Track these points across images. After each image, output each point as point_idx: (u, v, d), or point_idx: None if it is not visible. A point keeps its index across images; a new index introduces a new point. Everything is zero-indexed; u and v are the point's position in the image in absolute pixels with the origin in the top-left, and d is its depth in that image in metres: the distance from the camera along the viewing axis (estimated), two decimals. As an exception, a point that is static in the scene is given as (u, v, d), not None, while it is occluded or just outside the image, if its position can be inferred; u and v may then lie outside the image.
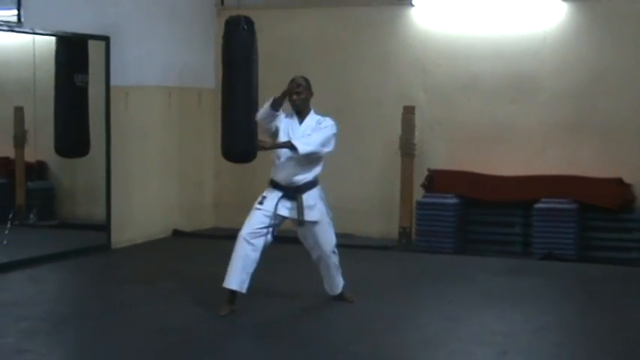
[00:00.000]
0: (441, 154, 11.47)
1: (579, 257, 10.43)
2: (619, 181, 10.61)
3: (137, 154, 11.20)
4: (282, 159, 7.73)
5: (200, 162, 12.33)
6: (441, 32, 11.48)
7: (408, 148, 11.15)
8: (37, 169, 11.15)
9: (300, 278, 8.37)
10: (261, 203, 7.73)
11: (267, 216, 7.66)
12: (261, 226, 7.65)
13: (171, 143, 11.81)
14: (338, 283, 8.17)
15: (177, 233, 11.85)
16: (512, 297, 8.70)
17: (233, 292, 7.71)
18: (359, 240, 11.51)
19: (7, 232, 10.09)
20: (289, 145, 7.61)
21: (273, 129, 7.72)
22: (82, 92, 10.61)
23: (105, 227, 10.82)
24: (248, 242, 7.61)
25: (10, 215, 10.30)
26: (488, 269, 9.95)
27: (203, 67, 12.21)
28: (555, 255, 10.38)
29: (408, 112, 11.17)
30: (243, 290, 7.68)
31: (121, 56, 10.78)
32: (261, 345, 7.11)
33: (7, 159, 10.82)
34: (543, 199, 10.65)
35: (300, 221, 7.74)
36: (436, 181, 11.20)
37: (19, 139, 10.64)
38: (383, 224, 11.72)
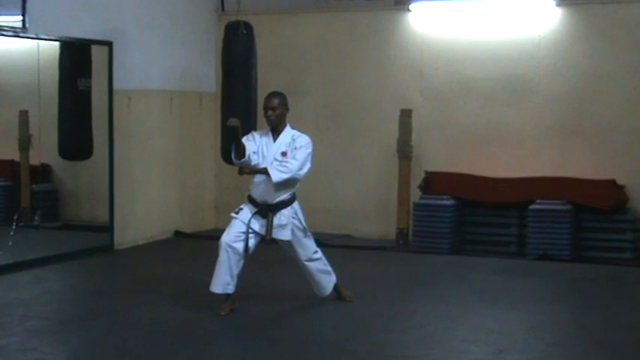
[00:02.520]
0: (437, 156, 11.52)
1: (573, 257, 10.49)
2: (612, 183, 10.68)
3: (139, 156, 11.28)
4: (257, 177, 7.81)
5: (201, 164, 12.39)
6: (438, 36, 11.55)
7: (405, 151, 11.21)
8: (42, 172, 11.19)
9: (298, 278, 8.42)
10: (237, 213, 7.85)
11: (245, 223, 7.77)
12: (240, 230, 7.76)
13: (172, 146, 11.88)
14: (325, 286, 8.21)
15: (178, 234, 11.91)
16: (507, 297, 8.76)
17: (227, 294, 7.85)
18: (357, 241, 11.61)
19: (12, 233, 10.18)
20: (265, 172, 7.67)
21: (252, 156, 7.74)
22: (86, 96, 10.66)
23: (108, 228, 10.88)
24: (229, 246, 7.72)
25: (15, 217, 10.38)
26: (484, 269, 10.02)
27: (204, 72, 12.29)
28: (550, 255, 10.45)
29: (406, 114, 11.23)
30: (229, 291, 7.80)
31: (124, 61, 10.86)
32: (259, 344, 7.16)
33: (12, 162, 10.91)
34: (538, 201, 10.69)
35: (267, 240, 7.83)
36: (433, 182, 11.24)
37: (24, 143, 10.73)
38: (381, 225, 11.80)
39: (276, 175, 7.63)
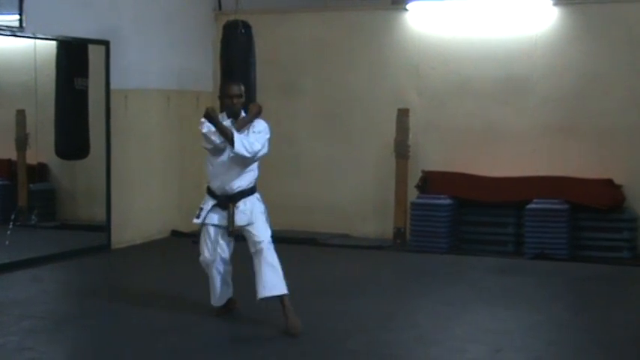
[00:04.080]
0: (434, 155, 11.53)
1: (570, 257, 10.51)
2: (609, 182, 10.70)
3: (136, 156, 11.28)
4: (215, 166, 7.57)
5: (198, 164, 12.27)
6: (435, 36, 11.56)
7: (402, 150, 11.24)
8: (39, 171, 11.21)
9: (293, 276, 8.41)
10: (198, 217, 7.64)
11: (210, 228, 7.59)
12: (212, 241, 7.59)
13: (170, 145, 11.88)
14: (269, 282, 7.42)
15: (175, 234, 11.89)
16: (504, 296, 8.78)
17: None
18: (354, 240, 11.62)
19: (9, 232, 10.17)
20: (230, 138, 7.31)
21: (215, 135, 7.46)
22: (83, 95, 10.68)
23: (105, 228, 10.88)
24: (212, 262, 7.62)
25: (12, 216, 10.38)
26: (481, 269, 10.04)
27: (201, 71, 12.30)
28: (547, 254, 10.47)
29: (403, 114, 11.26)
30: (229, 296, 7.81)
31: (121, 60, 10.87)
32: (257, 343, 7.18)
33: (9, 161, 10.91)
34: (535, 200, 10.72)
35: (230, 231, 7.53)
36: (430, 182, 11.26)
37: (21, 142, 10.71)
38: (378, 224, 11.79)
39: (240, 148, 7.31)
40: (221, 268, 7.67)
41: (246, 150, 7.38)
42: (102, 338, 7.34)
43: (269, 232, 7.54)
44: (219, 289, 7.74)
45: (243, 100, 7.63)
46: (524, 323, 7.76)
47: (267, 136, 7.61)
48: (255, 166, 7.64)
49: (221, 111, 7.68)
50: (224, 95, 7.63)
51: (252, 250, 7.49)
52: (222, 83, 7.78)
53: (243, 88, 7.68)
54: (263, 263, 7.40)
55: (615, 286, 9.36)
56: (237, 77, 10.01)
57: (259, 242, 7.43)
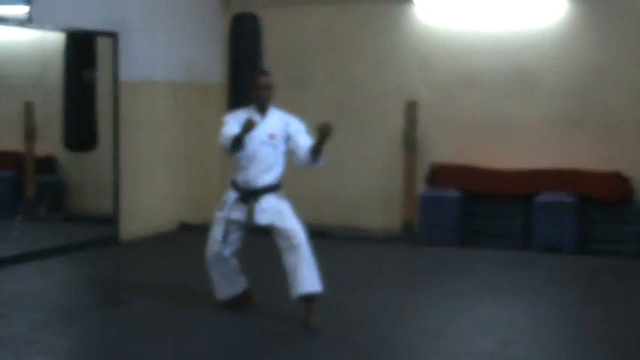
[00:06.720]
0: (443, 148, 11.52)
1: (579, 249, 10.49)
2: (618, 175, 10.67)
3: (145, 148, 11.29)
4: (242, 158, 7.36)
5: (206, 155, 12.36)
6: (443, 28, 11.54)
7: (410, 143, 11.24)
8: (47, 163, 11.24)
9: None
10: (221, 210, 7.51)
11: (228, 222, 7.45)
12: (219, 241, 7.46)
13: (178, 137, 11.89)
14: (312, 282, 7.31)
15: (184, 226, 11.90)
16: (513, 288, 8.78)
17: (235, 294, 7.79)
18: (362, 232, 11.61)
19: (17, 224, 10.19)
20: (318, 157, 7.35)
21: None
22: (91, 87, 10.67)
23: (113, 220, 10.89)
24: (217, 261, 7.54)
25: (20, 208, 10.42)
26: (489, 261, 10.04)
27: (209, 63, 12.30)
28: (555, 247, 10.46)
29: (411, 107, 11.25)
30: (236, 292, 7.73)
31: (129, 52, 10.87)
32: (263, 334, 7.20)
33: (17, 153, 10.93)
34: (544, 193, 10.71)
35: (249, 226, 7.43)
36: (438, 174, 11.27)
37: (29, 134, 10.75)
38: (386, 217, 11.79)
39: (324, 161, 7.45)
40: (220, 265, 7.57)
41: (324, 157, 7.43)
42: (110, 331, 7.35)
43: (302, 227, 7.38)
44: (218, 283, 7.67)
45: (273, 90, 7.45)
46: (532, 316, 7.77)
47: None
48: (282, 161, 7.52)
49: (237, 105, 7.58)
50: (252, 86, 7.43)
51: (285, 244, 7.33)
52: (251, 73, 7.69)
53: (272, 79, 7.47)
54: (301, 259, 7.24)
55: (623, 279, 9.34)
56: (244, 70, 10.03)
57: (295, 237, 7.28)
